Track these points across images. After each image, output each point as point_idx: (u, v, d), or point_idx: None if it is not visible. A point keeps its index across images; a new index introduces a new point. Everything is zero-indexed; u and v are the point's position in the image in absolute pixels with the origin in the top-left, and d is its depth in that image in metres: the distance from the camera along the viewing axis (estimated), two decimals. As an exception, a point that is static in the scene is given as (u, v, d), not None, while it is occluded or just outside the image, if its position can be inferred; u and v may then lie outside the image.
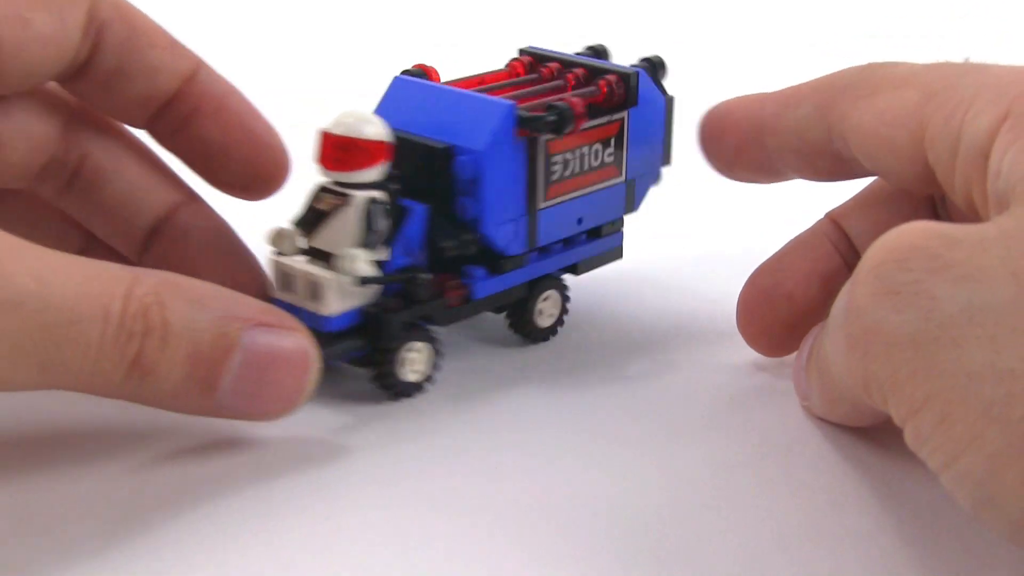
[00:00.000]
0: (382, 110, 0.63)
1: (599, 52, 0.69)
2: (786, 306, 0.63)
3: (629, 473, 0.55)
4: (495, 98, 0.61)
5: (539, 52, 0.68)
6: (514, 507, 0.53)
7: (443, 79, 0.65)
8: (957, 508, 0.48)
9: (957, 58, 0.56)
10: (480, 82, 0.66)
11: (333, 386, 0.61)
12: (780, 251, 0.65)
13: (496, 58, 0.71)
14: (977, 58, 0.56)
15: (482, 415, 0.60)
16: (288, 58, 1.15)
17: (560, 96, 0.63)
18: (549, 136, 0.62)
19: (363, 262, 0.58)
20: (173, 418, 0.55)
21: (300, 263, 0.59)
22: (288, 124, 0.64)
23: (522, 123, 0.61)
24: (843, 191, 0.64)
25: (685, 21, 1.20)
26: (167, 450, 0.56)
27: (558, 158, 0.63)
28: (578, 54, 0.68)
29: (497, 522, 0.52)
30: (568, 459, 0.56)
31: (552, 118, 0.61)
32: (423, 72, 0.65)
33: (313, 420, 0.59)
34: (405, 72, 0.65)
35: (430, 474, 0.55)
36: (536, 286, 0.65)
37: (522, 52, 0.69)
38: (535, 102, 0.63)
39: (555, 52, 0.68)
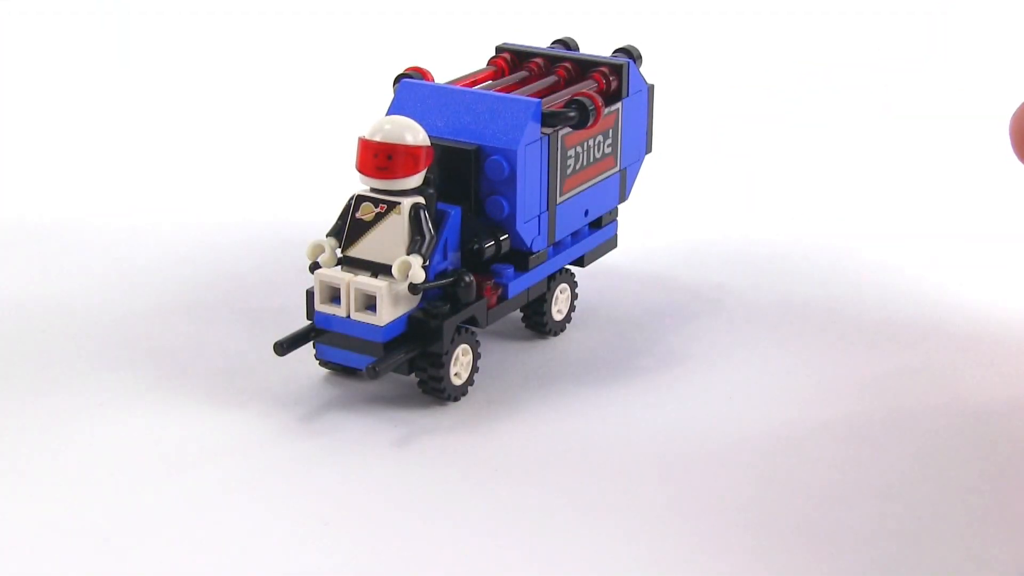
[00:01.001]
0: (396, 114, 0.63)
1: (568, 45, 0.70)
2: None
3: (628, 472, 0.56)
4: (519, 96, 0.62)
5: (518, 48, 0.69)
6: (520, 505, 0.53)
7: (434, 81, 0.65)
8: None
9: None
10: (475, 82, 0.66)
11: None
12: None
13: (460, 58, 0.71)
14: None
15: (512, 414, 0.60)
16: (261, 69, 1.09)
17: (575, 91, 0.63)
18: (567, 131, 0.62)
19: (419, 268, 0.57)
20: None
21: (346, 275, 0.58)
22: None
23: (547, 119, 0.61)
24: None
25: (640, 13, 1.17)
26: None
27: (571, 152, 0.63)
28: (549, 47, 0.69)
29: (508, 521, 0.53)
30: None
31: (574, 113, 0.61)
32: (419, 75, 0.65)
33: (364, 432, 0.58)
34: (402, 76, 0.65)
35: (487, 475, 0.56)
36: (551, 280, 0.65)
37: (499, 50, 0.69)
38: (548, 97, 0.63)
39: (533, 47, 0.69)
